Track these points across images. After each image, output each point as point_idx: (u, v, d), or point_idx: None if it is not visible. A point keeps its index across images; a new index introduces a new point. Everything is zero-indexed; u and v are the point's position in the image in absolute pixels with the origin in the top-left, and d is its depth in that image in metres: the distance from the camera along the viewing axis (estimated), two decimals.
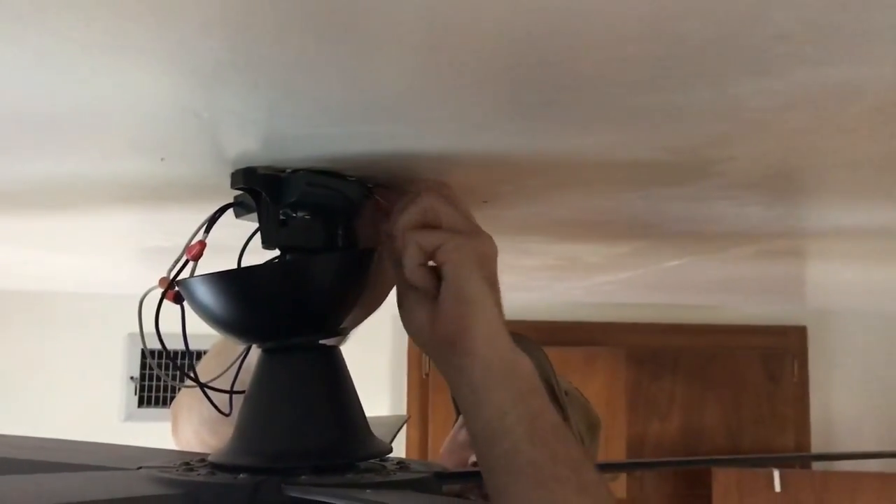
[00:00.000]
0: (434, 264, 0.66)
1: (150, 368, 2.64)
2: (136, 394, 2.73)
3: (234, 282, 0.69)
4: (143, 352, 2.60)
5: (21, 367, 2.71)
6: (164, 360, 0.74)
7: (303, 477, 0.66)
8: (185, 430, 0.89)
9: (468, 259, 0.64)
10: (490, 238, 0.67)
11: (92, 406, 2.68)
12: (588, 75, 0.48)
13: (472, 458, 1.05)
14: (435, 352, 0.67)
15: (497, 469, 0.62)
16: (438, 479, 0.71)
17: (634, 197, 0.86)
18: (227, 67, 0.47)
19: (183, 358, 0.77)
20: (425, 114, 0.56)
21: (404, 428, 2.85)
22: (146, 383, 2.70)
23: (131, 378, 2.69)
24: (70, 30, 0.41)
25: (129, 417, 2.71)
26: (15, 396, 2.69)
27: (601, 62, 0.45)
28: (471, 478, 0.74)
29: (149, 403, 2.71)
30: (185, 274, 0.72)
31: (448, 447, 1.10)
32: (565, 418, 0.98)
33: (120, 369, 2.69)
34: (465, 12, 0.39)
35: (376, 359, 2.64)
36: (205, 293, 0.68)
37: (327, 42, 0.43)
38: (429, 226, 0.65)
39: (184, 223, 0.71)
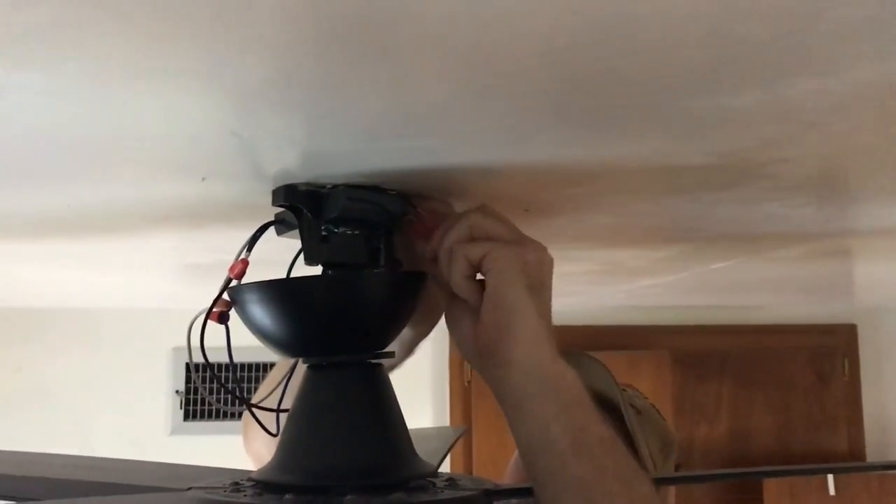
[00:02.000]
0: (480, 277, 0.66)
1: (196, 383, 2.66)
2: (181, 407, 2.75)
3: (281, 291, 0.69)
4: (187, 365, 2.62)
5: (69, 383, 2.75)
6: (203, 377, 0.74)
7: (349, 497, 0.65)
8: (254, 442, 0.90)
9: (511, 267, 0.63)
10: (539, 246, 0.67)
11: (139, 420, 2.71)
12: (636, 81, 0.46)
13: None
14: (478, 363, 0.66)
15: (544, 484, 0.61)
16: (487, 496, 0.70)
17: (680, 202, 0.84)
18: (267, 86, 0.47)
19: (228, 374, 0.77)
20: (467, 126, 0.55)
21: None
22: (191, 397, 2.72)
23: (177, 392, 2.72)
24: (109, 56, 0.41)
25: (175, 431, 2.74)
26: (63, 412, 2.73)
27: (651, 67, 0.44)
28: (520, 494, 0.73)
29: (194, 417, 2.73)
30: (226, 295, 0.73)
31: (511, 465, 1.09)
32: (630, 436, 0.96)
33: (165, 383, 2.72)
34: (510, 26, 0.38)
35: (417, 368, 2.64)
36: (253, 300, 0.68)
37: (368, 58, 0.42)
38: (475, 239, 0.65)
39: (225, 240, 0.71)
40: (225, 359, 0.72)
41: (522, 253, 0.65)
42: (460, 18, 0.37)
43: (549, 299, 0.67)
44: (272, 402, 0.78)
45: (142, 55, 0.42)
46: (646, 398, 1.18)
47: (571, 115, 0.53)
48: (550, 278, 0.68)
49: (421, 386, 2.80)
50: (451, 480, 0.72)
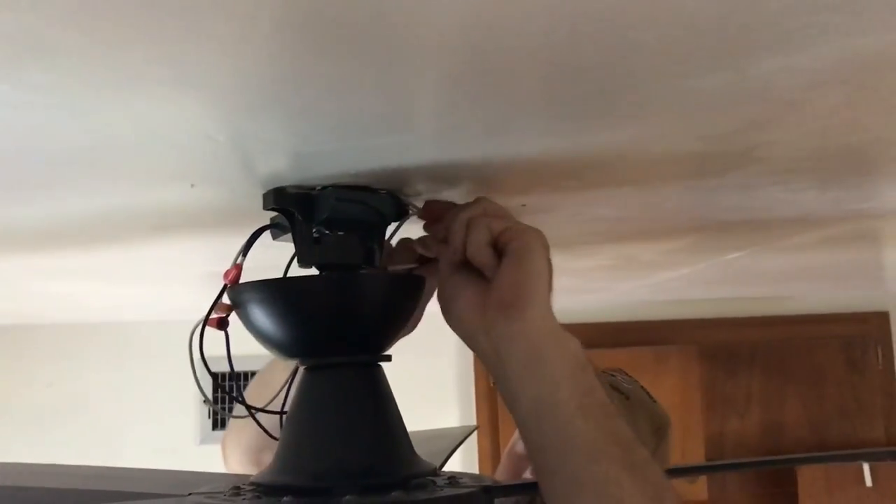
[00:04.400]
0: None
1: (224, 391, 2.68)
2: (209, 417, 2.78)
3: (281, 289, 0.69)
4: (215, 375, 2.64)
5: (99, 397, 2.79)
6: (218, 386, 0.75)
7: (348, 497, 0.65)
8: (230, 459, 0.90)
9: (535, 238, 0.66)
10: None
11: (169, 431, 2.74)
12: (599, 68, 0.46)
13: (527, 474, 1.03)
14: (481, 327, 0.65)
15: (548, 446, 0.61)
16: (487, 493, 0.69)
17: (678, 191, 0.83)
18: (238, 88, 0.47)
19: (230, 386, 0.78)
20: (453, 120, 0.55)
21: (475, 438, 2.84)
22: (222, 406, 2.75)
23: (205, 401, 2.74)
24: (71, 67, 0.42)
25: (204, 440, 2.76)
26: (94, 425, 2.76)
27: (610, 53, 0.43)
28: (521, 490, 0.73)
29: (223, 426, 2.76)
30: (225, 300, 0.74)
31: (504, 459, 1.09)
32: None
33: (193, 393, 2.75)
34: (495, 17, 0.38)
35: (442, 371, 2.64)
36: (253, 300, 0.69)
37: (355, 55, 0.42)
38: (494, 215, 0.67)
39: (233, 247, 0.72)
40: (243, 367, 0.73)
41: (539, 232, 0.67)
42: (444, 7, 0.37)
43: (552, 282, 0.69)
44: (273, 407, 0.78)
45: (101, 63, 0.42)
46: (635, 381, 1.17)
47: (551, 107, 0.53)
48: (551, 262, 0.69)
49: (446, 389, 2.80)
50: (451, 479, 0.72)
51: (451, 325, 0.69)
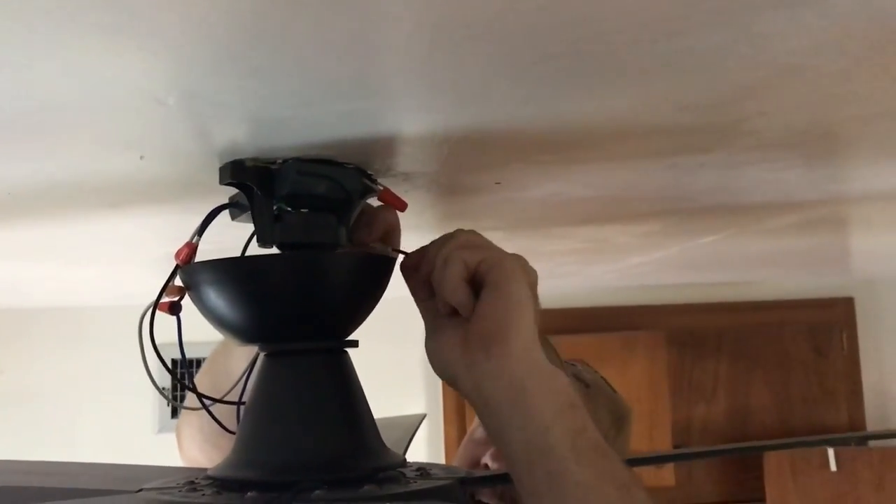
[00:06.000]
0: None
1: (176, 380, 2.61)
2: (168, 405, 2.71)
3: (238, 270, 0.64)
4: (173, 361, 2.58)
5: (52, 385, 2.70)
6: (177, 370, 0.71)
7: (317, 492, 0.61)
8: (189, 448, 0.85)
9: (514, 266, 0.62)
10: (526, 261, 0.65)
11: (125, 420, 2.67)
12: (591, 23, 0.41)
13: (485, 459, 1.00)
14: (462, 365, 0.61)
15: (541, 493, 0.57)
16: (462, 485, 0.66)
17: (658, 169, 0.80)
18: (187, 42, 0.42)
19: (182, 375, 0.73)
20: (430, 84, 0.50)
21: (441, 427, 2.81)
22: (178, 394, 2.67)
23: (163, 389, 2.67)
24: (10, 5, 0.36)
25: (162, 429, 2.69)
26: (48, 414, 2.68)
27: (607, 8, 0.39)
28: (494, 481, 0.69)
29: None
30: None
31: (463, 445, 1.06)
32: None
33: (150, 382, 2.67)
34: None
35: (409, 358, 2.59)
36: (206, 281, 0.64)
37: (321, 4, 0.37)
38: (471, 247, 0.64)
39: (188, 227, 0.67)
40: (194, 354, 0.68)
41: (519, 258, 0.64)
42: None
43: (539, 309, 0.65)
44: (232, 397, 0.73)
45: (30, 4, 0.37)
46: (595, 371, 1.15)
47: (531, 65, 0.48)
48: (536, 289, 0.66)
49: (413, 376, 2.75)
50: (421, 470, 0.68)
51: (433, 368, 0.66)
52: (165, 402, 2.69)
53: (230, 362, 0.78)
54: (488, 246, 0.64)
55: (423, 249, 0.67)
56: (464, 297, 0.62)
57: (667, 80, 0.52)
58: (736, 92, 0.55)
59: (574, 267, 1.83)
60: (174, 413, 2.66)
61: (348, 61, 0.46)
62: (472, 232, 0.66)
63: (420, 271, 0.66)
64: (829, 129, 0.68)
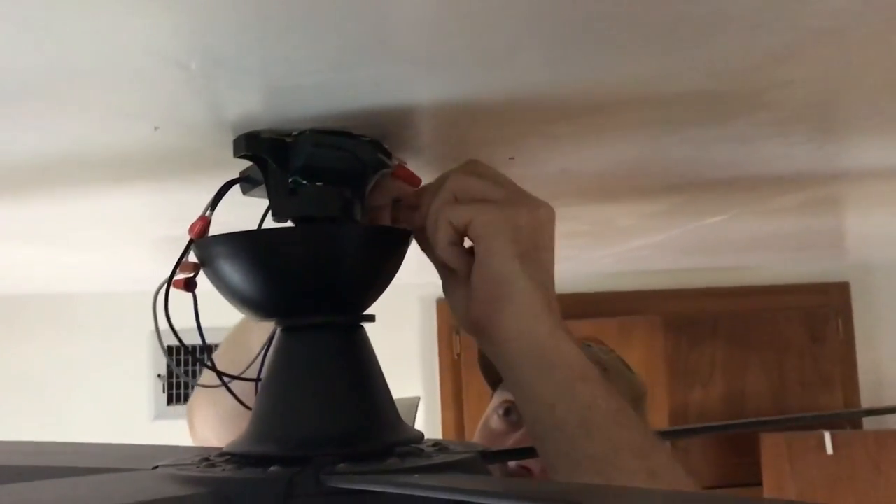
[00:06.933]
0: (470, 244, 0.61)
1: (171, 365, 2.60)
2: (164, 392, 2.69)
3: (254, 242, 0.63)
4: (169, 348, 2.56)
5: (48, 372, 2.69)
6: (180, 357, 0.69)
7: (340, 465, 0.60)
8: (202, 429, 0.84)
9: (499, 233, 0.58)
10: (535, 204, 0.60)
11: (121, 406, 2.66)
12: None
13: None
14: (476, 338, 0.61)
15: (557, 466, 0.56)
16: (484, 459, 0.65)
17: (672, 142, 0.79)
18: (214, 3, 0.41)
19: (201, 352, 0.72)
20: (441, 47, 0.50)
21: (438, 410, 2.81)
22: (174, 380, 2.66)
23: (158, 376, 2.66)
24: None
25: (158, 416, 2.68)
26: (43, 401, 2.67)
27: None
28: (516, 455, 0.68)
29: (178, 401, 2.67)
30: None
31: (480, 435, 1.04)
32: None
33: (146, 368, 2.66)
34: None
35: (406, 341, 2.59)
36: (222, 254, 0.63)
37: None
38: (460, 202, 0.60)
39: (194, 206, 0.66)
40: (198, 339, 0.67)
41: (513, 216, 0.59)
42: None
43: (549, 264, 0.61)
44: (249, 374, 0.72)
45: None
46: (611, 351, 1.14)
47: (554, 29, 0.47)
48: (551, 239, 0.61)
49: (410, 359, 2.75)
50: (438, 445, 0.67)
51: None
52: (162, 388, 2.68)
53: (250, 338, 0.77)
54: (480, 195, 0.60)
55: (419, 194, 0.65)
56: (456, 262, 0.59)
57: (692, 45, 0.51)
58: (763, 58, 0.54)
59: (573, 251, 1.83)
60: (171, 400, 2.65)
61: (366, 30, 0.45)
62: (466, 171, 0.61)
63: (416, 223, 0.64)
64: (845, 101, 0.67)
